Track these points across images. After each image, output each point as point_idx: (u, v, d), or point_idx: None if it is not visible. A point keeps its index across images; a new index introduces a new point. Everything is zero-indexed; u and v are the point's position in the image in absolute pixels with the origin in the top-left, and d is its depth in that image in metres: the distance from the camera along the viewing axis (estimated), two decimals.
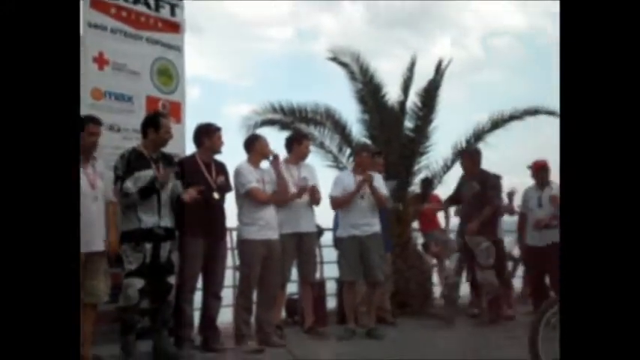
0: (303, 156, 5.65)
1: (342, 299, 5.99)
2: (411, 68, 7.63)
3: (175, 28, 5.49)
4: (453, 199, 6.65)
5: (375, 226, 5.61)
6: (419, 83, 7.73)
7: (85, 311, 4.12)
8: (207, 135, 4.91)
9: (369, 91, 7.63)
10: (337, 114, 7.61)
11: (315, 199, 5.51)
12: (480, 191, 6.04)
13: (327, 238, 6.40)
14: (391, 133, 7.49)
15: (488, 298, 6.07)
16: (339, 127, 7.69)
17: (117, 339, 4.35)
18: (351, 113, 7.82)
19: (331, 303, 6.63)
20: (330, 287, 6.68)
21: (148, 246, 4.32)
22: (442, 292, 6.72)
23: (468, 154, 6.55)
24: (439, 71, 7.65)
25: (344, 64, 7.69)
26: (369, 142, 7.38)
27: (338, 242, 5.82)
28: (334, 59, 7.71)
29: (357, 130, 7.73)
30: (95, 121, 4.28)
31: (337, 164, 7.69)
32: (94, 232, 4.11)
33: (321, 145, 7.66)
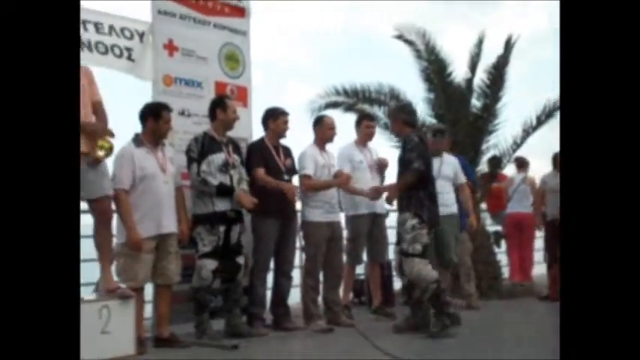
0: (368, 136, 5.64)
1: None
2: (479, 45, 7.45)
3: (241, 12, 5.53)
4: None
5: (450, 206, 5.50)
6: (485, 60, 7.55)
7: (159, 292, 4.31)
8: (274, 119, 5.00)
9: (434, 69, 7.50)
10: (402, 94, 7.51)
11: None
12: (401, 155, 4.78)
13: (391, 219, 6.38)
14: (458, 112, 7.36)
15: (429, 298, 4.46)
16: None
17: (192, 318, 4.51)
18: (416, 92, 7.72)
19: (397, 284, 6.62)
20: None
21: (222, 228, 4.48)
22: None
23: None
24: (508, 47, 7.42)
25: (409, 42, 7.57)
26: (434, 121, 7.28)
27: None
28: (400, 37, 7.60)
29: (423, 110, 7.62)
30: (168, 109, 4.41)
31: None
32: (165, 215, 4.23)
33: (386, 126, 7.61)
